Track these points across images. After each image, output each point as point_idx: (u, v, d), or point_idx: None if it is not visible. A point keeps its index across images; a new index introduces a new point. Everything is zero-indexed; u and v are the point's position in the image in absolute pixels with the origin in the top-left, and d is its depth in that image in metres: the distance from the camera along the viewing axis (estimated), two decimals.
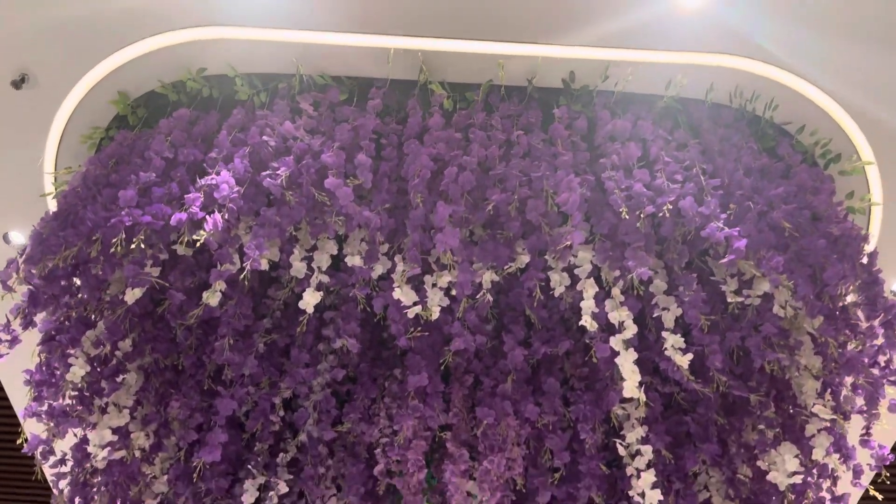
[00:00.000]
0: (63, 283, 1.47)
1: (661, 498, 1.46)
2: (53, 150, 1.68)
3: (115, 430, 1.57)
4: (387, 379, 1.67)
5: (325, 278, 1.36)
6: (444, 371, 1.65)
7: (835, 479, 1.64)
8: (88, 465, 1.65)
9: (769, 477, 1.59)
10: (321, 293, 1.34)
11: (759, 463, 1.62)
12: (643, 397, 1.26)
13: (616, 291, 1.36)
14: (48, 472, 1.75)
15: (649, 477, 1.47)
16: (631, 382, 1.26)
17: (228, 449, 1.81)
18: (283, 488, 1.77)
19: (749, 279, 1.42)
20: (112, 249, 1.22)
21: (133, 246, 1.22)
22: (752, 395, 1.43)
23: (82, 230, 1.26)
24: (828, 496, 1.65)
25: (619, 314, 1.33)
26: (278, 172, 1.33)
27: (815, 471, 1.59)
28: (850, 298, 1.48)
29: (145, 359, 1.65)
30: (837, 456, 1.55)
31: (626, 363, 1.27)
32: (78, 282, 1.56)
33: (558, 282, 1.39)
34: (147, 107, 1.64)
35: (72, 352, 1.47)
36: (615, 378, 1.56)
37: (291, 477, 1.80)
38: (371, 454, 1.77)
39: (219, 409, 1.42)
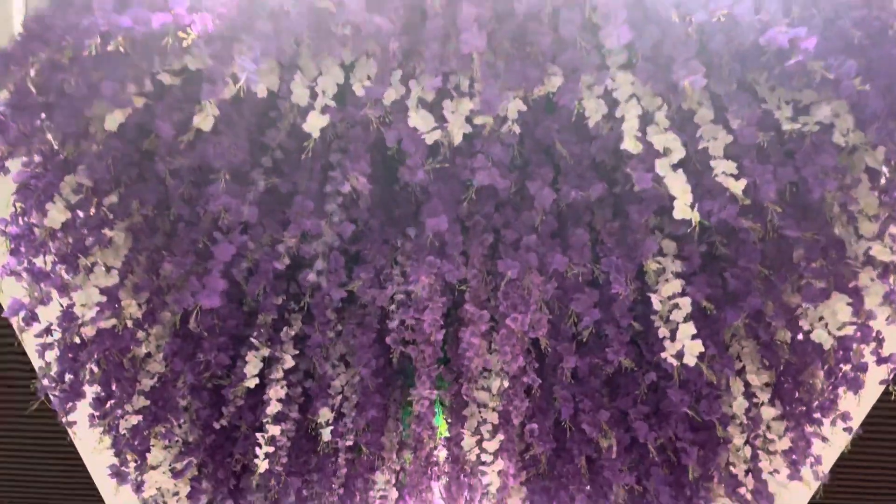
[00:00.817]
0: (36, 122, 1.31)
1: (703, 350, 1.34)
2: None
3: (103, 292, 1.43)
4: (399, 238, 1.53)
5: (331, 102, 1.20)
6: (463, 230, 1.51)
7: (881, 341, 1.54)
8: (76, 332, 1.53)
9: (813, 336, 1.48)
10: (327, 116, 1.18)
11: (801, 323, 1.51)
12: (697, 217, 1.13)
13: (660, 116, 1.21)
14: (31, 345, 1.63)
15: (688, 328, 1.35)
16: (682, 201, 1.12)
17: (228, 323, 1.69)
18: (289, 361, 1.66)
19: (805, 106, 1.27)
20: (86, 52, 1.05)
21: (111, 48, 1.05)
22: (804, 234, 1.30)
23: (50, 38, 1.09)
24: (873, 358, 1.55)
25: (665, 138, 1.18)
26: None
27: (860, 332, 1.48)
28: None
29: (134, 218, 1.50)
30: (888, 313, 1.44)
31: (676, 182, 1.12)
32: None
33: (594, 109, 1.24)
34: None
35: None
36: (648, 228, 1.43)
37: (297, 352, 1.69)
38: (383, 324, 1.66)
39: (216, 254, 1.28)
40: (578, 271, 1.40)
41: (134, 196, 1.42)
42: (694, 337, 1.35)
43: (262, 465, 1.52)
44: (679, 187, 1.12)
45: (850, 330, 1.37)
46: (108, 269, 1.44)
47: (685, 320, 1.36)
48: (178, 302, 1.48)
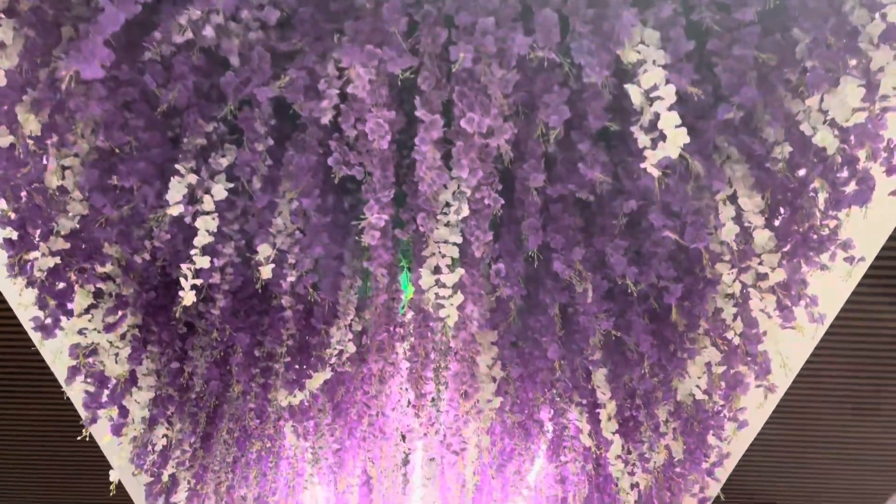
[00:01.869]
0: None
1: (687, 140, 1.15)
2: None
3: None
4: (336, 34, 1.31)
5: None
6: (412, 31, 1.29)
7: (892, 150, 1.35)
8: None
9: (816, 139, 1.28)
10: None
11: (802, 127, 1.31)
12: None
13: None
14: None
15: (672, 117, 1.15)
16: None
17: (151, 151, 1.49)
18: (220, 192, 1.46)
19: None
20: None
21: None
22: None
23: None
24: (882, 168, 1.36)
25: None
26: None
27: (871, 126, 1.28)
28: None
29: (23, 16, 1.27)
30: None
31: None
32: None
33: None
34: None
35: None
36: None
37: (231, 185, 1.49)
38: (325, 147, 1.45)
39: (101, 21, 1.05)
40: (543, 56, 1.18)
41: None
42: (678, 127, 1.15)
43: (189, 298, 1.34)
44: None
45: (861, 117, 1.17)
46: None
47: (669, 109, 1.16)
48: (81, 110, 1.28)
